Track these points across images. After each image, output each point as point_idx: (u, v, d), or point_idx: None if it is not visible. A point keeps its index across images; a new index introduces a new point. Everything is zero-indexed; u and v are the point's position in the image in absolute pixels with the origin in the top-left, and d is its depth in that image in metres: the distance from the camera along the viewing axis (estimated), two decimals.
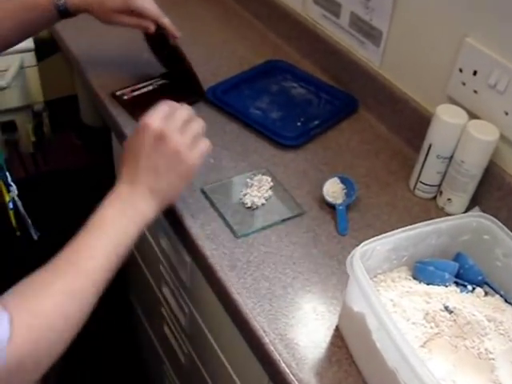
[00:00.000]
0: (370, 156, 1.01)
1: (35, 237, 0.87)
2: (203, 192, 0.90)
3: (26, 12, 0.94)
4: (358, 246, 0.65)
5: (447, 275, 0.69)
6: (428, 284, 0.70)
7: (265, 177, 0.92)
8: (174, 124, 0.77)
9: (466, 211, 0.90)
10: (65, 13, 0.96)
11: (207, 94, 1.09)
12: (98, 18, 0.98)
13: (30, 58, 1.37)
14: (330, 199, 0.90)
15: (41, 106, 1.32)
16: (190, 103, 1.06)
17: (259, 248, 0.83)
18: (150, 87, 1.10)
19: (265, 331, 0.72)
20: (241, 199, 0.89)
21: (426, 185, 0.92)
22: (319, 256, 0.82)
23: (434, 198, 0.93)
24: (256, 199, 0.88)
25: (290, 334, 0.72)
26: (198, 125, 0.80)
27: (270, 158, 0.98)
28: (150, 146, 0.75)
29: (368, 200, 0.92)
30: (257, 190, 0.90)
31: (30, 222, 0.87)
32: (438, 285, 0.69)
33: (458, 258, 0.73)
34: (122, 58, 1.18)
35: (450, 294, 0.68)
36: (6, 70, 1.33)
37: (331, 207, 0.89)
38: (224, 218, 0.86)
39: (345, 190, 0.91)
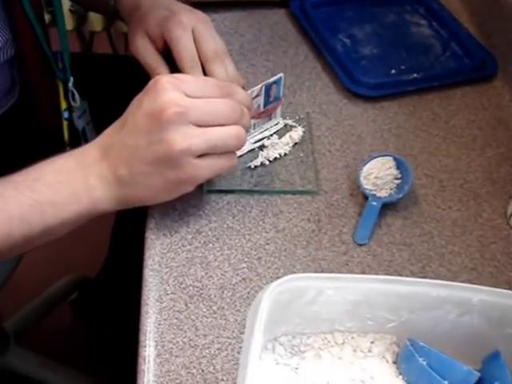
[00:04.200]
0: (473, 147, 0.66)
1: None
2: None
3: None
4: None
5: None
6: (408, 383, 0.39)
7: (295, 125, 0.64)
8: (201, 109, 0.48)
9: None
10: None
11: (292, 3, 0.81)
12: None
13: None
14: (366, 186, 0.59)
15: None
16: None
17: (225, 218, 0.56)
18: None
19: (146, 336, 0.47)
20: None
21: None
22: (302, 261, 0.54)
23: None
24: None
25: (179, 358, 0.46)
26: (237, 132, 0.50)
27: (326, 103, 0.69)
28: (142, 116, 0.48)
29: (432, 208, 0.60)
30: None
31: (84, 138, 0.72)
32: None
33: (491, 360, 0.40)
34: None
35: None
36: None
37: (366, 198, 0.59)
38: None
39: (398, 181, 0.60)
